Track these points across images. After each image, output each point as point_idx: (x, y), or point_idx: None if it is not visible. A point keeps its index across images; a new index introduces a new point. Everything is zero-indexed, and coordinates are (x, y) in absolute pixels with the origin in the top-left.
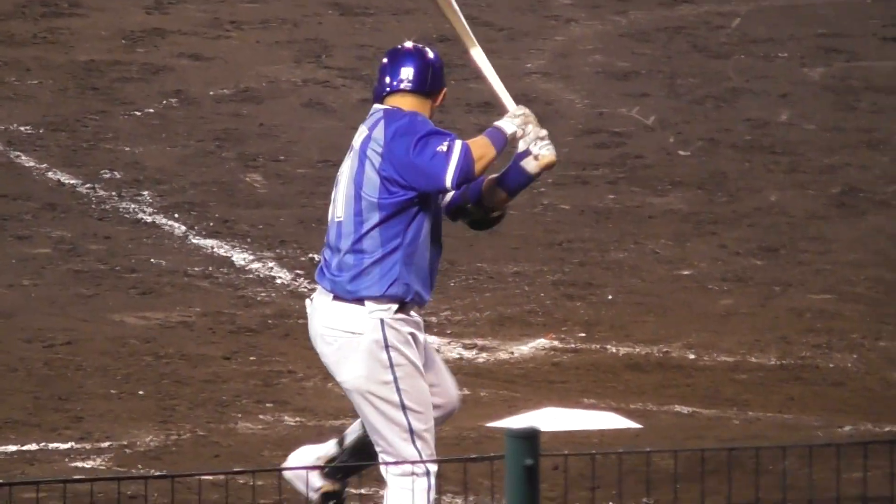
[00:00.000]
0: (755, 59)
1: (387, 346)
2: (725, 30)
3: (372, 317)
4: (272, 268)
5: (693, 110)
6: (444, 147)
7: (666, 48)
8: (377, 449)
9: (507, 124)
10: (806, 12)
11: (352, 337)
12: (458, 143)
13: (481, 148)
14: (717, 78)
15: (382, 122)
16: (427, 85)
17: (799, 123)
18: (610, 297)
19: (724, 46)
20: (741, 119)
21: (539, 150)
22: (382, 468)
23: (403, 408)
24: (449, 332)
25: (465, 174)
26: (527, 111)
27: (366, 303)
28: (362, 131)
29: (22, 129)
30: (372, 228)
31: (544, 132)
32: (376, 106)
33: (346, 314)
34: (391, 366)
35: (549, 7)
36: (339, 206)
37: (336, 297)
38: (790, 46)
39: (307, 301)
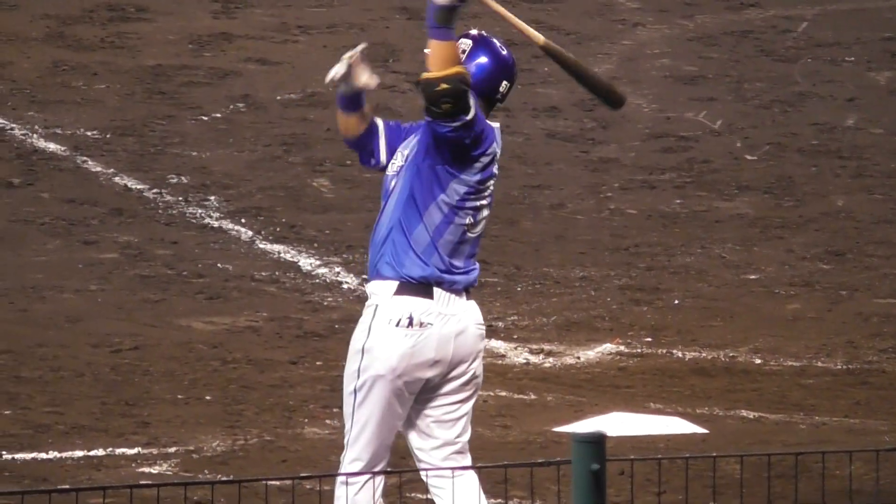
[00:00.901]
0: (822, 63)
1: None
2: (792, 34)
3: None
4: (339, 273)
5: (760, 114)
6: None
7: (733, 52)
8: (458, 441)
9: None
10: (872, 16)
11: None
12: None
13: None
14: (784, 82)
15: None
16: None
17: (866, 127)
18: (677, 301)
19: (791, 50)
20: (808, 123)
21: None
22: (467, 463)
23: None
24: (516, 336)
25: None
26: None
27: None
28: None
29: (89, 133)
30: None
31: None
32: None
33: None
34: None
35: (616, 11)
36: (480, 225)
37: (469, 297)
38: (857, 50)
39: (446, 304)
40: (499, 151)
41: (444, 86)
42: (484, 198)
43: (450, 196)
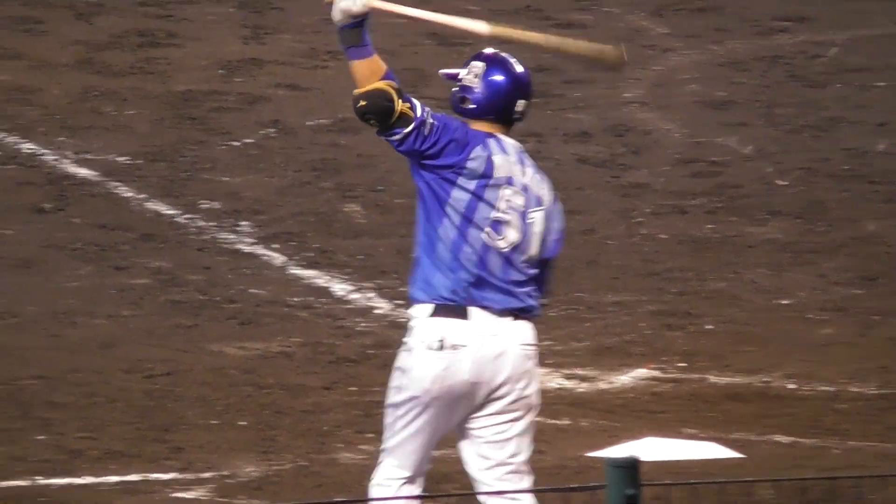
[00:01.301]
0: (852, 88)
1: None
2: (822, 59)
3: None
4: (371, 298)
5: (791, 139)
6: None
7: (763, 77)
8: (512, 462)
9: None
10: None
11: (536, 351)
12: None
13: None
14: (815, 107)
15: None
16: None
17: None
18: (709, 326)
19: (822, 76)
20: (839, 148)
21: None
22: (525, 484)
23: None
24: (549, 361)
25: None
26: None
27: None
28: (532, 174)
29: (119, 159)
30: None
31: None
32: (517, 143)
33: (532, 331)
34: None
35: (646, 37)
36: (508, 238)
37: (522, 317)
38: (887, 75)
39: (484, 325)
40: (499, 159)
41: (363, 102)
42: (502, 211)
43: (455, 206)
